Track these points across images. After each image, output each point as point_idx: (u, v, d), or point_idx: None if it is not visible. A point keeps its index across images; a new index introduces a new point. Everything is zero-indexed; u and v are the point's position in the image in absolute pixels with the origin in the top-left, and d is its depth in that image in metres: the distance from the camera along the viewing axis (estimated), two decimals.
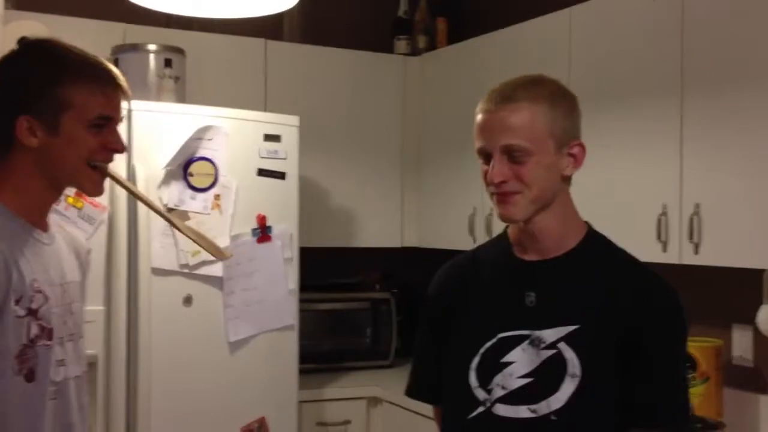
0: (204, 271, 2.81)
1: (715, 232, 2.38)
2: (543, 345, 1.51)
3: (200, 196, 2.81)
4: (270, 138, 2.96)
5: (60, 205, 2.57)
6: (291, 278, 2.98)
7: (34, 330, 1.49)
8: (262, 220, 2.93)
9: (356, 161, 3.67)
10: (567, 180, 1.56)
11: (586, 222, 1.62)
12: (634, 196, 2.62)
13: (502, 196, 1.51)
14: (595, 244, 1.60)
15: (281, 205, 2.99)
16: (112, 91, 1.57)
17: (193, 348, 2.80)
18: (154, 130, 2.74)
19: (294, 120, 3.03)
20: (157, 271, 2.72)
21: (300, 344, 3.03)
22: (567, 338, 1.50)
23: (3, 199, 1.54)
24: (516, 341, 1.53)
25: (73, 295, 1.63)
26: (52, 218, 1.66)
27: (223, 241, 2.84)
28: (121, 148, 1.60)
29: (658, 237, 2.50)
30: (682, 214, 2.45)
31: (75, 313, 1.63)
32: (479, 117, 1.53)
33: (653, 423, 1.51)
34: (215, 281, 2.83)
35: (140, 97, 2.80)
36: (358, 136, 3.67)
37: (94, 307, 2.62)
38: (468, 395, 1.55)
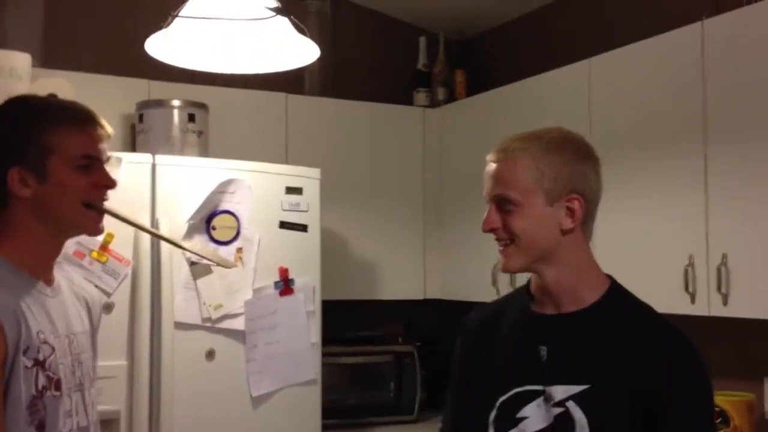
0: (226, 324, 2.80)
1: (744, 283, 2.35)
2: (552, 402, 1.50)
3: (223, 249, 2.81)
4: (292, 191, 2.97)
5: (84, 260, 2.60)
6: (314, 331, 2.97)
7: (42, 381, 1.49)
8: (284, 272, 2.93)
9: (377, 213, 3.67)
10: (571, 233, 1.54)
11: (608, 276, 1.61)
12: (660, 247, 2.60)
13: (501, 248, 1.55)
14: (615, 299, 1.57)
15: (303, 258, 2.98)
16: (92, 130, 1.61)
17: (215, 403, 2.78)
18: (177, 183, 2.76)
19: (315, 173, 3.04)
20: (180, 325, 2.72)
21: (323, 399, 3.00)
22: (575, 397, 1.49)
23: (5, 254, 1.56)
24: (530, 396, 1.53)
25: (81, 346, 1.64)
26: (62, 270, 1.68)
27: (245, 294, 2.83)
28: (111, 183, 1.62)
29: (686, 288, 2.47)
30: (709, 264, 2.42)
31: (84, 363, 1.63)
32: (486, 167, 1.60)
33: None
34: (238, 335, 2.82)
35: (164, 152, 2.84)
36: (379, 187, 3.68)
37: (116, 362, 2.62)
38: None
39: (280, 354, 2.88)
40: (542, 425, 1.50)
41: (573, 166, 1.54)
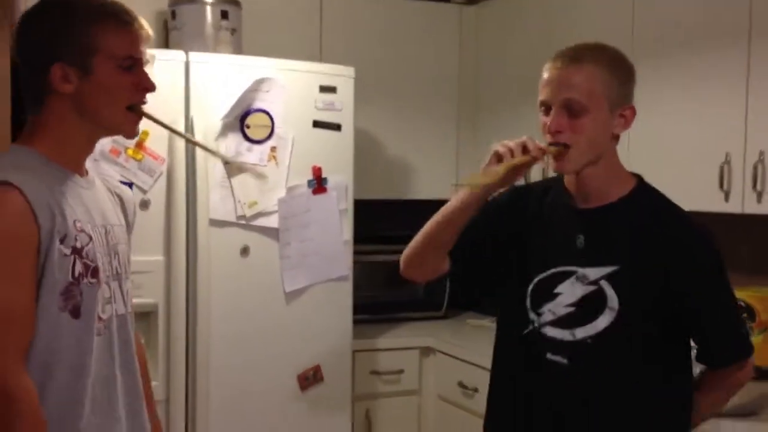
0: (261, 222, 2.85)
1: None
2: (587, 281, 1.74)
3: (257, 147, 2.83)
4: (326, 89, 2.96)
5: (120, 158, 2.64)
6: (346, 229, 3.00)
7: (79, 268, 1.52)
8: (317, 171, 2.95)
9: (411, 112, 3.65)
10: (616, 138, 1.75)
11: (636, 175, 1.82)
12: (697, 144, 2.57)
13: (556, 152, 1.69)
14: (643, 194, 1.79)
15: (336, 157, 3.00)
16: (134, 30, 1.60)
17: (250, 297, 2.85)
18: (211, 81, 2.76)
19: (350, 71, 3.02)
20: (215, 223, 2.77)
21: (354, 295, 3.06)
22: (607, 277, 1.72)
23: (40, 147, 1.57)
24: (566, 276, 1.76)
25: (117, 237, 1.67)
26: (97, 167, 1.71)
27: (279, 192, 2.87)
28: (152, 86, 1.63)
29: (720, 186, 2.45)
30: (746, 162, 2.39)
31: (120, 254, 1.66)
32: (546, 73, 1.71)
33: (723, 363, 1.79)
34: (271, 232, 2.86)
35: (197, 49, 2.83)
36: (413, 87, 3.64)
37: (153, 257, 2.69)
38: (524, 315, 1.80)
39: (312, 251, 2.93)
40: (573, 300, 1.74)
41: (630, 79, 1.74)
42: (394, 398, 3.30)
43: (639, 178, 1.81)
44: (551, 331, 1.76)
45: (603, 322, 1.71)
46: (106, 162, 2.60)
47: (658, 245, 1.71)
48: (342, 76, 3.00)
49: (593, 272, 1.73)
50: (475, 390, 2.97)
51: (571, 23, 2.98)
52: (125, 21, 1.59)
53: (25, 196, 1.46)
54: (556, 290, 1.76)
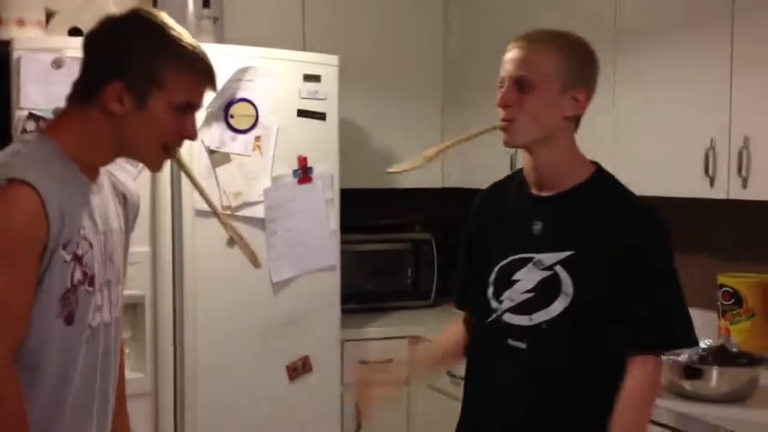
0: (246, 212, 2.84)
1: (765, 166, 2.33)
2: (542, 266, 1.78)
3: (241, 137, 2.81)
4: (310, 78, 2.95)
5: None
6: (332, 219, 3.00)
7: (78, 275, 1.52)
8: (302, 161, 2.94)
9: (397, 100, 3.64)
10: (569, 121, 1.79)
11: (594, 163, 1.85)
12: (681, 130, 2.57)
13: (505, 125, 1.77)
14: (599, 182, 1.83)
15: (321, 146, 2.98)
16: (204, 82, 1.60)
17: (237, 288, 2.84)
18: None
19: (333, 60, 3.01)
20: (201, 213, 2.75)
21: (342, 285, 3.06)
22: (562, 262, 1.76)
23: (63, 142, 1.55)
24: (523, 263, 1.81)
25: (114, 243, 1.66)
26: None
27: (264, 182, 2.85)
28: (194, 137, 1.62)
29: (706, 172, 2.46)
30: (731, 147, 2.40)
31: (115, 261, 1.66)
32: (507, 53, 1.80)
33: (649, 344, 1.77)
34: (258, 222, 2.85)
35: None
36: (398, 75, 3.63)
37: (140, 248, 2.67)
38: (487, 305, 1.85)
39: (299, 241, 2.92)
40: (531, 286, 1.79)
41: (588, 65, 1.81)
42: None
43: (597, 166, 1.85)
44: (511, 318, 1.80)
45: (558, 306, 1.75)
46: None
47: (610, 231, 1.75)
48: (326, 64, 2.98)
49: (549, 258, 1.77)
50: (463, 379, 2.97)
51: (555, 6, 2.97)
52: (201, 71, 1.58)
53: (41, 198, 1.44)
54: (514, 277, 1.81)
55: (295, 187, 2.92)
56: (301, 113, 2.94)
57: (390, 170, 2.03)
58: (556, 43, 1.77)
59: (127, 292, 2.31)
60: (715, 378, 2.24)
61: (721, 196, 2.43)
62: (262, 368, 2.89)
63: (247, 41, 2.91)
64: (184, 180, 2.70)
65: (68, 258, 1.49)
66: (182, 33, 1.59)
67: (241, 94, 2.80)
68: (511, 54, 1.78)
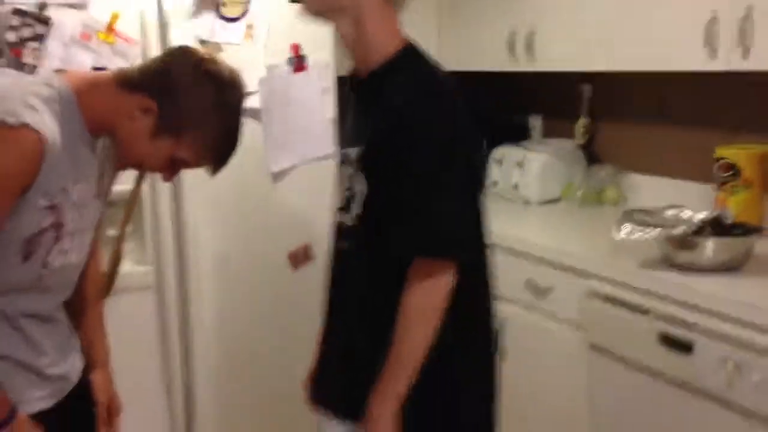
0: None
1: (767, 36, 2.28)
2: (350, 161, 1.70)
3: (231, 26, 2.75)
4: None
5: (92, 42, 2.56)
6: (328, 108, 2.96)
7: (48, 221, 1.55)
8: (296, 49, 2.88)
9: None
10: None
11: (408, 43, 1.70)
12: (681, 1, 2.51)
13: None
14: (399, 64, 1.66)
15: (316, 34, 2.90)
16: (212, 164, 1.68)
17: (235, 178, 2.81)
18: None
19: None
20: None
21: None
22: (360, 157, 1.67)
23: (86, 103, 1.59)
24: (345, 159, 1.74)
25: (94, 189, 1.68)
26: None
27: (259, 72, 2.80)
28: (167, 181, 1.75)
29: (706, 44, 2.41)
30: (732, 18, 2.34)
31: (92, 208, 1.68)
32: None
33: (398, 251, 1.62)
34: (253, 113, 2.82)
35: None
36: None
37: None
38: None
39: (296, 130, 2.89)
40: (348, 183, 1.70)
41: None
42: None
43: (407, 47, 1.70)
44: (340, 217, 1.75)
45: (359, 204, 1.67)
46: (78, 47, 2.53)
47: (391, 120, 1.61)
48: None
49: (353, 152, 1.70)
50: None
51: None
52: (220, 159, 1.67)
53: (44, 151, 1.49)
54: (345, 174, 1.74)
55: (291, 77, 2.87)
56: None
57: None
58: None
59: (125, 186, 2.33)
60: (709, 248, 2.26)
61: (723, 68, 2.39)
62: (263, 256, 2.90)
63: None
64: None
65: (45, 204, 1.53)
66: (239, 118, 1.66)
67: None
68: None
